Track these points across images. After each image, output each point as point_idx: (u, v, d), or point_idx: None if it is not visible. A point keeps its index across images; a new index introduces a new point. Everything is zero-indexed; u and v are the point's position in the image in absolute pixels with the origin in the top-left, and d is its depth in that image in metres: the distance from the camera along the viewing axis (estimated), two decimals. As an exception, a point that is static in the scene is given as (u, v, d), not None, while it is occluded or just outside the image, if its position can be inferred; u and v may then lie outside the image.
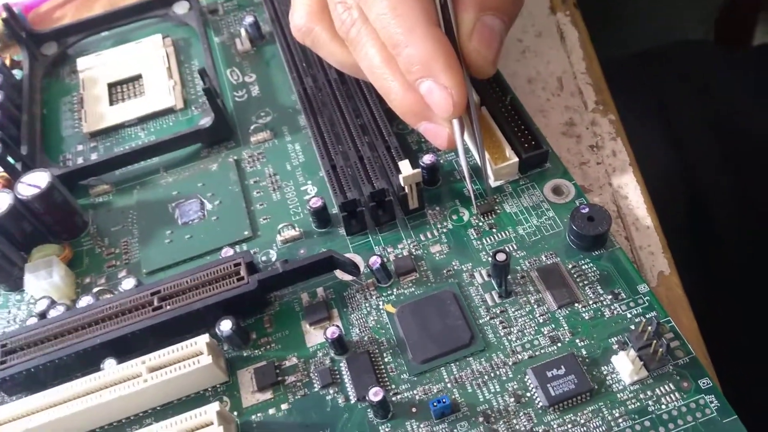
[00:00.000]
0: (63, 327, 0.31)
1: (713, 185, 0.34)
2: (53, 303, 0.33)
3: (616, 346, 0.29)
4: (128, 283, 0.33)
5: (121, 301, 0.31)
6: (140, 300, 0.31)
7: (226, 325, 0.31)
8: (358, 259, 0.34)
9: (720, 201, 0.34)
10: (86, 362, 0.31)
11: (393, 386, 0.30)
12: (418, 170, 0.33)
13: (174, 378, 0.29)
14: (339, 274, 0.34)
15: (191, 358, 0.29)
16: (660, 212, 0.34)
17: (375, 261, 0.32)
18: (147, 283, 0.33)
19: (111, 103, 0.43)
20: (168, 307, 0.31)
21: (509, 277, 0.32)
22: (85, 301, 0.33)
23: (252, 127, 0.40)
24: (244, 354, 0.32)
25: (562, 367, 0.29)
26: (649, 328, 0.28)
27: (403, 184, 0.33)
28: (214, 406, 0.28)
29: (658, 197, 0.35)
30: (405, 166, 0.33)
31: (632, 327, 0.30)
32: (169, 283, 0.32)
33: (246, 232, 0.36)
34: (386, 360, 0.31)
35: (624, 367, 0.28)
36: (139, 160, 0.39)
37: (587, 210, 0.32)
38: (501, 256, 0.30)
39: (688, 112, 0.45)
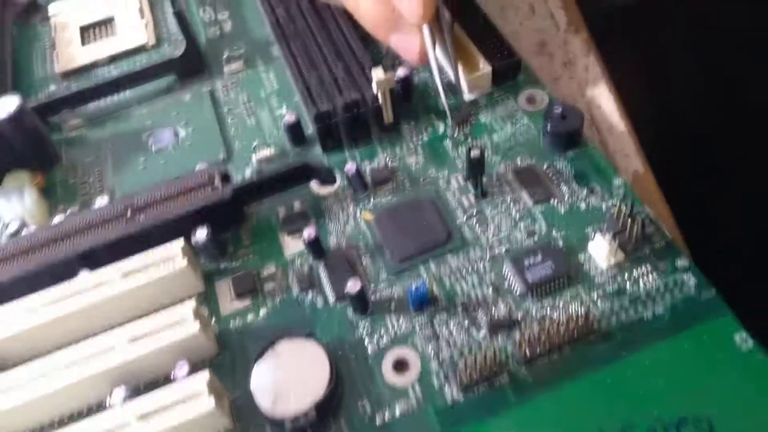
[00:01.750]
0: (35, 242, 0.31)
1: (683, 98, 0.35)
2: (25, 225, 0.33)
3: (593, 234, 0.29)
4: (102, 200, 0.32)
5: (94, 215, 0.31)
6: (113, 213, 0.31)
7: (201, 233, 0.30)
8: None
9: (691, 113, 0.35)
10: (59, 277, 0.30)
11: (372, 285, 0.30)
12: (391, 73, 0.33)
13: (149, 283, 0.29)
14: (316, 186, 0.33)
15: (166, 261, 0.29)
16: (634, 119, 0.34)
17: (350, 168, 0.32)
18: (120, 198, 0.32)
19: (83, 43, 0.43)
20: (142, 217, 0.31)
21: (485, 178, 0.32)
22: (57, 219, 0.32)
23: (225, 57, 0.40)
24: (221, 266, 0.31)
25: (539, 255, 0.28)
26: (624, 211, 0.28)
27: (376, 90, 0.33)
28: (190, 304, 0.28)
29: (632, 108, 0.35)
30: (377, 72, 0.32)
31: (608, 216, 0.30)
32: (142, 196, 0.31)
33: (221, 155, 0.36)
34: (364, 263, 0.30)
35: (600, 251, 0.28)
36: (111, 92, 0.39)
37: (560, 109, 0.32)
38: (475, 152, 0.30)
39: (663, 44, 0.45)
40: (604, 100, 0.36)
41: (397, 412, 0.26)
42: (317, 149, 0.35)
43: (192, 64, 0.39)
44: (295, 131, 0.35)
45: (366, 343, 0.28)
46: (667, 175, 0.31)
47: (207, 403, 0.25)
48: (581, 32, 0.39)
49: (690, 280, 0.27)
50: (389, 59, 0.38)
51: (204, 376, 0.25)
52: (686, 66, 0.41)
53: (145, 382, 0.28)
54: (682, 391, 0.25)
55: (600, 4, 0.45)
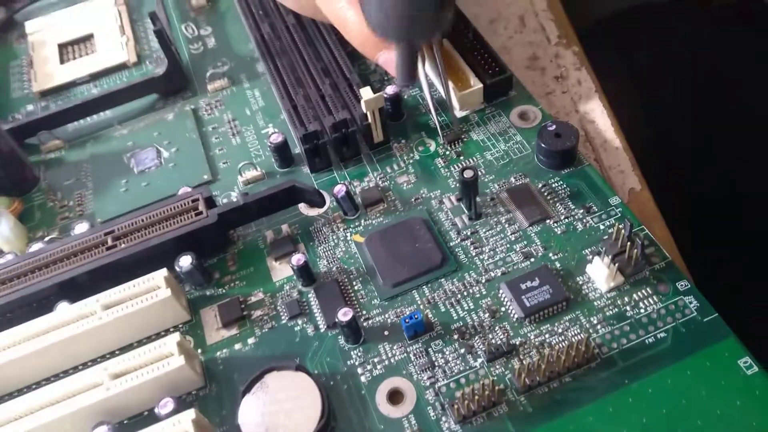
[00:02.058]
0: (12, 272, 0.29)
1: (674, 112, 0.34)
2: (1, 253, 0.31)
3: (591, 256, 0.28)
4: (81, 227, 0.31)
5: (73, 243, 0.30)
6: (93, 240, 0.30)
7: (185, 261, 0.29)
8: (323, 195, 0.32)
9: (683, 127, 0.34)
10: (39, 308, 0.29)
11: (364, 312, 0.28)
12: (380, 94, 0.32)
13: (131, 314, 0.27)
14: (304, 209, 0.32)
15: (149, 292, 0.28)
16: (627, 134, 0.34)
17: (340, 189, 0.31)
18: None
19: (62, 62, 0.41)
20: (123, 245, 0.29)
21: (479, 198, 0.31)
22: (35, 247, 0.31)
23: (208, 74, 0.39)
24: (207, 293, 0.30)
25: (536, 278, 0.28)
26: (623, 232, 0.27)
27: (365, 110, 0.32)
28: (174, 337, 0.26)
29: (625, 122, 0.35)
30: (366, 92, 0.32)
31: (605, 237, 0.29)
32: (123, 223, 0.30)
33: (205, 176, 0.34)
34: (356, 288, 0.29)
35: (599, 274, 0.27)
36: (91, 113, 0.38)
37: (554, 127, 0.31)
38: (468, 173, 0.29)
39: (652, 57, 0.45)
40: (597, 115, 0.35)
41: (393, 446, 0.25)
42: (305, 170, 0.34)
43: (174, 82, 0.38)
44: (282, 152, 0.34)
45: (359, 373, 0.27)
46: (664, 191, 0.31)
47: (193, 442, 0.24)
48: (573, 45, 0.38)
49: (692, 302, 0.26)
50: (378, 76, 0.37)
51: (189, 414, 0.24)
52: (678, 77, 0.41)
53: (129, 417, 0.27)
54: (686, 418, 0.24)
55: (590, 16, 0.45)
